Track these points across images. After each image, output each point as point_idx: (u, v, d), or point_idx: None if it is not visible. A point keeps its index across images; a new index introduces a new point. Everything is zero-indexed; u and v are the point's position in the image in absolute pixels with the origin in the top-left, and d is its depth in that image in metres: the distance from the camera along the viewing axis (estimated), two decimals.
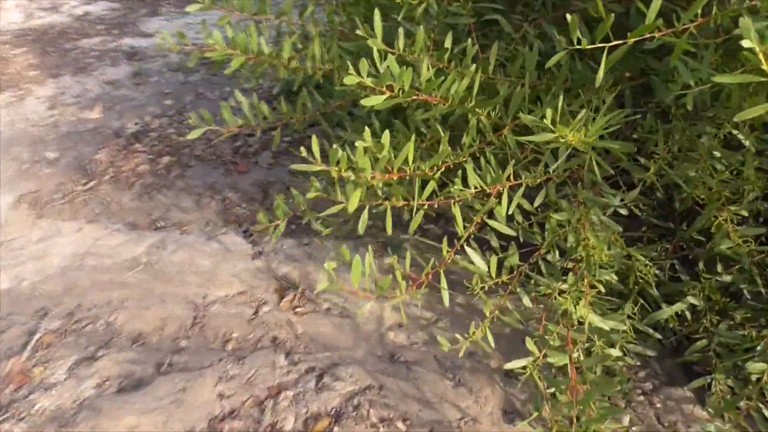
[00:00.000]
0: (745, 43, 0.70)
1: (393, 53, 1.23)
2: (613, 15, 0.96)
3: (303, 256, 1.87)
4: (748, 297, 1.41)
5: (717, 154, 1.35)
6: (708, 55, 1.14)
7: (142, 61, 3.23)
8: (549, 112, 0.93)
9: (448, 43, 1.28)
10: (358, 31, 1.19)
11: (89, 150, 2.45)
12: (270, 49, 1.64)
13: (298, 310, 1.71)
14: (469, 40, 1.32)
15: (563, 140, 0.93)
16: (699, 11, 1.00)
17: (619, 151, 1.01)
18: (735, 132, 1.35)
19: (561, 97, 0.97)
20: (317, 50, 1.65)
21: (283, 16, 1.77)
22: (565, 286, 1.31)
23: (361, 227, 1.18)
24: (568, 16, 1.01)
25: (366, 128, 1.00)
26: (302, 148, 0.97)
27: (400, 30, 1.23)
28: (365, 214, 1.16)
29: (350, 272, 1.17)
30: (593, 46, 0.99)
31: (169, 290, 1.79)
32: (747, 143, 1.33)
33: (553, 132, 0.93)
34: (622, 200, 1.37)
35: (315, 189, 1.15)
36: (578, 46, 0.99)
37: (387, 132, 1.03)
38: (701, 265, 1.49)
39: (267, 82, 2.58)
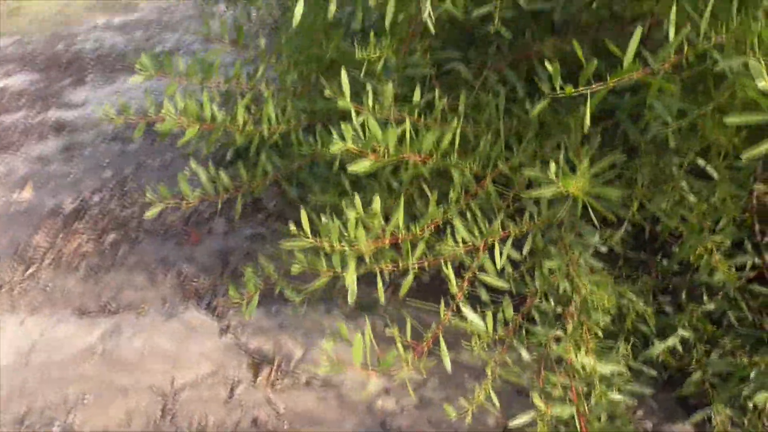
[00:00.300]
0: (761, 85, 0.69)
1: (360, 110, 1.19)
2: (595, 61, 0.95)
3: (274, 326, 1.77)
4: (735, 323, 1.41)
5: (686, 185, 1.36)
6: (677, 90, 1.15)
7: (73, 133, 3.06)
8: (552, 166, 0.91)
9: (416, 97, 1.25)
10: (326, 91, 1.14)
11: (24, 233, 2.28)
12: (223, 115, 1.57)
13: (276, 385, 1.60)
14: (436, 91, 1.29)
15: (565, 191, 0.90)
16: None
17: (611, 196, 1.00)
18: (701, 162, 1.37)
19: (563, 151, 0.94)
20: (272, 112, 1.59)
21: (232, 79, 1.71)
22: (560, 333, 1.27)
23: (351, 298, 1.10)
24: (548, 65, 1.00)
25: (356, 196, 0.94)
26: (290, 224, 0.90)
27: (368, 87, 1.19)
28: (354, 284, 1.09)
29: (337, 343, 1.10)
30: (576, 90, 0.97)
31: (132, 380, 1.64)
32: (714, 173, 1.35)
33: (557, 184, 0.90)
34: (603, 238, 1.36)
35: (300, 263, 1.07)
36: (561, 93, 0.97)
37: (377, 198, 0.98)
38: (683, 295, 1.49)
39: (215, 146, 2.49)
